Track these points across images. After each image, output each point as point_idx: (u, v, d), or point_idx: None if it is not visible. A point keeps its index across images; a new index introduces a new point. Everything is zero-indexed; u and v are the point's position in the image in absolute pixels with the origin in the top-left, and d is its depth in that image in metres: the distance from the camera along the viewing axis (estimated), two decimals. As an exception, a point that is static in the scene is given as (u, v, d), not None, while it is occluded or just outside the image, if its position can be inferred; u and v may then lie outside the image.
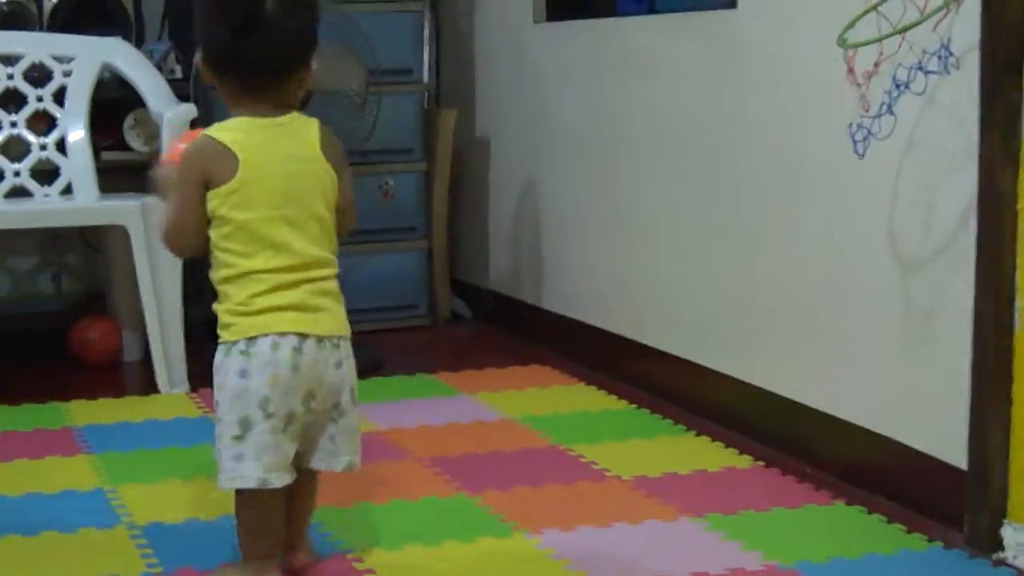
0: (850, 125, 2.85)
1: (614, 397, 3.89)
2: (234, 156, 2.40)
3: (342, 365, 2.47)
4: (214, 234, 2.44)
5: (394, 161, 4.84)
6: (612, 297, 4.18)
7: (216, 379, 2.48)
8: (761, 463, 3.26)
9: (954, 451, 2.79)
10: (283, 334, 2.40)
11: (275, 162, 2.42)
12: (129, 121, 4.52)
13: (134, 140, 4.53)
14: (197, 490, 3.12)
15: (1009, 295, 2.66)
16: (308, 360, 2.41)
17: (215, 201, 2.41)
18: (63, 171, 4.22)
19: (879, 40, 2.68)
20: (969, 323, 2.74)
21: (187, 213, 2.43)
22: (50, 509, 3.01)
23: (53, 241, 4.73)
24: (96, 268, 4.72)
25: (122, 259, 4.19)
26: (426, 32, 4.95)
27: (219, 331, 2.46)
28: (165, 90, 4.22)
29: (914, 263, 2.91)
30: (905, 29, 2.65)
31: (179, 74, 4.51)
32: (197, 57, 2.47)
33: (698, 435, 3.50)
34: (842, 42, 2.72)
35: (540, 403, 3.85)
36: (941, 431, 2.84)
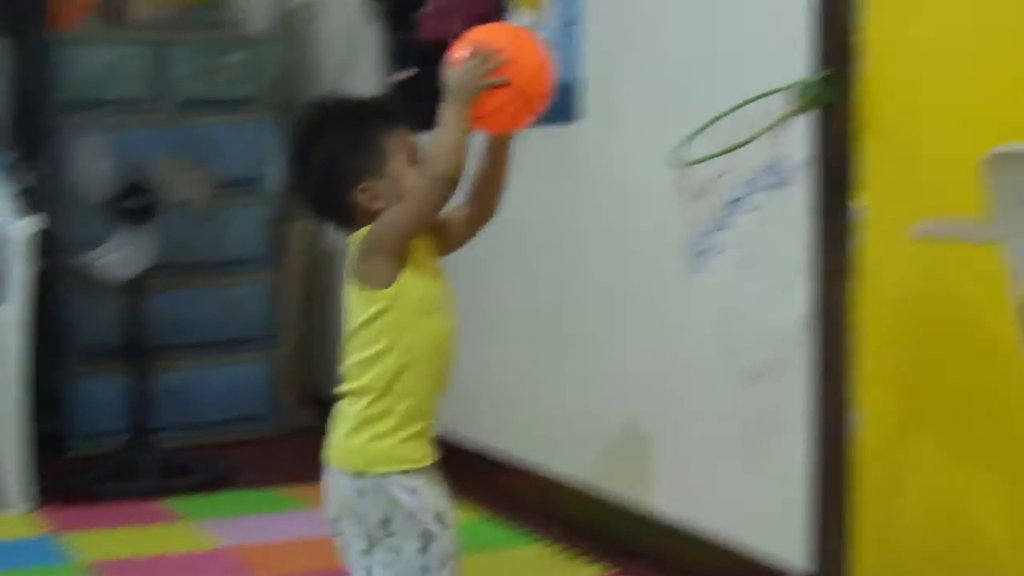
0: (685, 241, 2.89)
1: (469, 507, 3.87)
2: None
3: (337, 494, 2.28)
4: None
5: (243, 272, 4.82)
6: (462, 406, 4.18)
7: None
8: (614, 572, 3.27)
9: (794, 558, 2.82)
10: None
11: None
12: (-28, 234, 4.45)
13: (-24, 253, 4.45)
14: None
15: (845, 405, 2.72)
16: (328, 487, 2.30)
17: None
18: (-98, 286, 4.14)
19: (712, 158, 2.73)
20: (806, 433, 2.79)
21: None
22: None
23: None
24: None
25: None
26: (275, 142, 4.96)
27: None
28: (10, 202, 4.16)
29: (752, 375, 2.96)
30: (737, 147, 2.71)
31: (25, 185, 4.44)
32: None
33: (550, 545, 3.50)
34: (678, 160, 2.77)
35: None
36: (782, 538, 2.88)
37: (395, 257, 2.25)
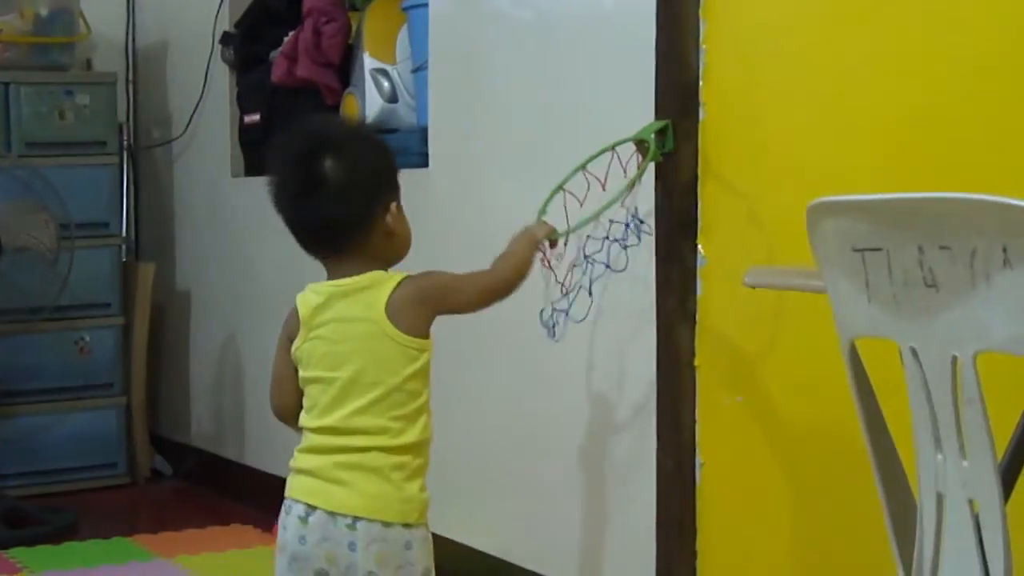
0: (543, 311, 2.80)
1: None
2: (298, 318, 2.36)
3: (356, 548, 2.24)
4: None
5: (91, 316, 4.74)
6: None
7: None
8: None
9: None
10: (295, 500, 2.30)
11: (335, 324, 2.33)
12: None
13: None
14: None
15: (690, 450, 2.74)
16: (315, 535, 2.26)
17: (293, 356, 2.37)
18: None
19: (573, 232, 2.66)
20: (654, 480, 2.80)
21: (276, 369, 2.41)
22: None
23: None
24: None
25: None
26: (124, 185, 4.90)
27: None
28: None
29: (609, 425, 2.97)
30: (601, 211, 2.64)
31: None
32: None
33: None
34: (541, 226, 2.67)
35: (237, 567, 3.77)
36: (631, 583, 2.89)
37: (434, 315, 2.38)
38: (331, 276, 2.37)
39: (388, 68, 3.79)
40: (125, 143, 4.97)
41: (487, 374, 3.33)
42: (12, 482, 4.42)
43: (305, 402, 2.34)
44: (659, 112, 2.76)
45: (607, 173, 2.69)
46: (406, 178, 3.58)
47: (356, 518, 2.24)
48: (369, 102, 3.81)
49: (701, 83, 2.70)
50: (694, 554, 2.75)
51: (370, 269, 2.35)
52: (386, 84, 3.78)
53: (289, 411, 2.39)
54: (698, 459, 2.73)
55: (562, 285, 2.71)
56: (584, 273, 2.75)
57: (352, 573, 2.24)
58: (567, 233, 2.63)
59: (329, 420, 2.29)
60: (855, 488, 2.39)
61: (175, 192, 5.00)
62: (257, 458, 4.47)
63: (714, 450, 2.72)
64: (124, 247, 4.91)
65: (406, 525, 2.28)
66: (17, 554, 3.89)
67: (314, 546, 2.25)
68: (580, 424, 3.03)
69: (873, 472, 1.61)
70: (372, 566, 2.24)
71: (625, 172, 2.68)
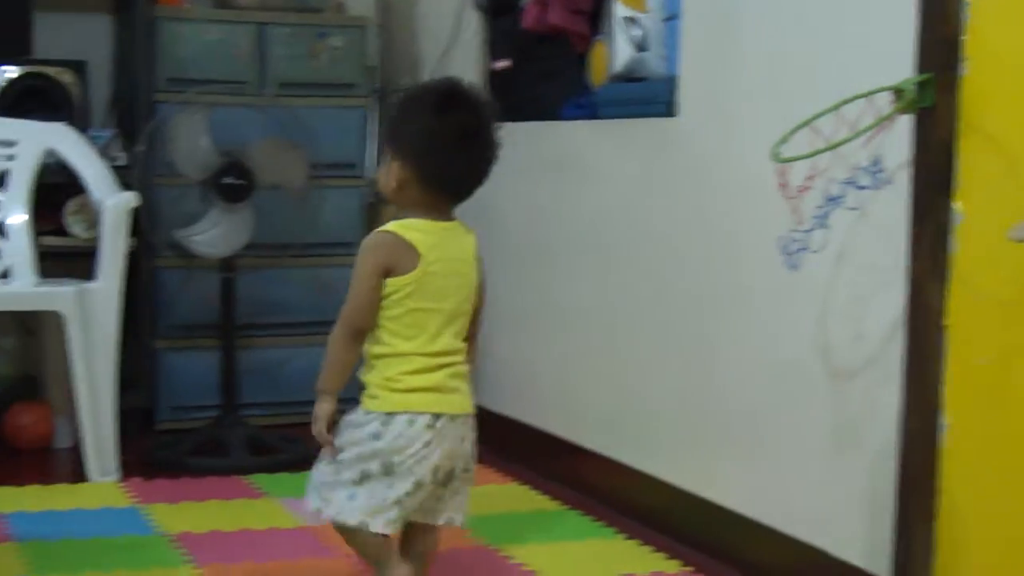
0: (782, 238, 2.89)
1: (547, 497, 3.89)
2: (417, 253, 2.69)
3: (465, 440, 2.76)
4: (382, 315, 2.72)
5: (335, 254, 4.84)
6: (548, 397, 4.20)
7: (346, 431, 2.74)
8: (689, 569, 3.27)
9: (877, 562, 2.81)
10: (420, 412, 2.68)
11: (442, 261, 2.72)
12: (71, 207, 4.52)
13: (75, 226, 4.52)
14: (121, 582, 3.10)
15: (935, 409, 2.70)
16: (439, 436, 2.69)
17: (392, 287, 2.69)
18: (2, 255, 4.21)
19: (811, 156, 2.72)
20: (896, 435, 2.77)
21: (363, 290, 2.71)
22: (-29, 598, 2.98)
23: (-11, 324, 4.71)
24: (31, 352, 4.69)
25: (57, 345, 4.17)
26: (370, 127, 4.99)
27: (363, 397, 2.74)
28: (108, 177, 4.23)
29: (844, 374, 2.95)
30: (836, 145, 2.70)
31: (123, 161, 4.51)
32: (395, 165, 2.72)
33: (628, 538, 3.51)
34: (775, 156, 2.76)
35: (471, 502, 3.83)
36: (865, 541, 2.87)
37: None
38: (432, 218, 2.74)
39: (639, 16, 3.78)
40: (374, 86, 5.05)
41: (728, 320, 3.32)
42: (255, 411, 4.56)
43: (403, 329, 2.71)
44: (919, 65, 2.71)
45: (857, 118, 2.67)
46: (654, 127, 3.63)
47: (467, 416, 2.77)
48: (618, 50, 3.81)
49: (964, 38, 2.64)
50: (933, 515, 2.71)
51: (451, 219, 2.78)
52: (636, 33, 3.77)
53: (366, 332, 2.74)
54: (944, 420, 2.68)
55: (798, 214, 2.79)
56: (825, 213, 2.81)
57: (462, 463, 2.76)
58: (803, 157, 2.70)
59: (437, 345, 2.71)
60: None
61: (420, 136, 5.06)
62: (491, 399, 4.51)
63: (961, 412, 2.66)
64: (370, 188, 5.00)
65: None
66: (258, 480, 4.02)
67: (437, 446, 2.69)
68: (816, 376, 3.01)
69: None
70: (472, 452, 2.79)
71: (875, 121, 2.66)
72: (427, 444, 2.68)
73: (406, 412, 2.68)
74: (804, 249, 2.86)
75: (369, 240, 2.75)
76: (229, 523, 3.55)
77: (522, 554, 3.35)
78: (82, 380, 3.99)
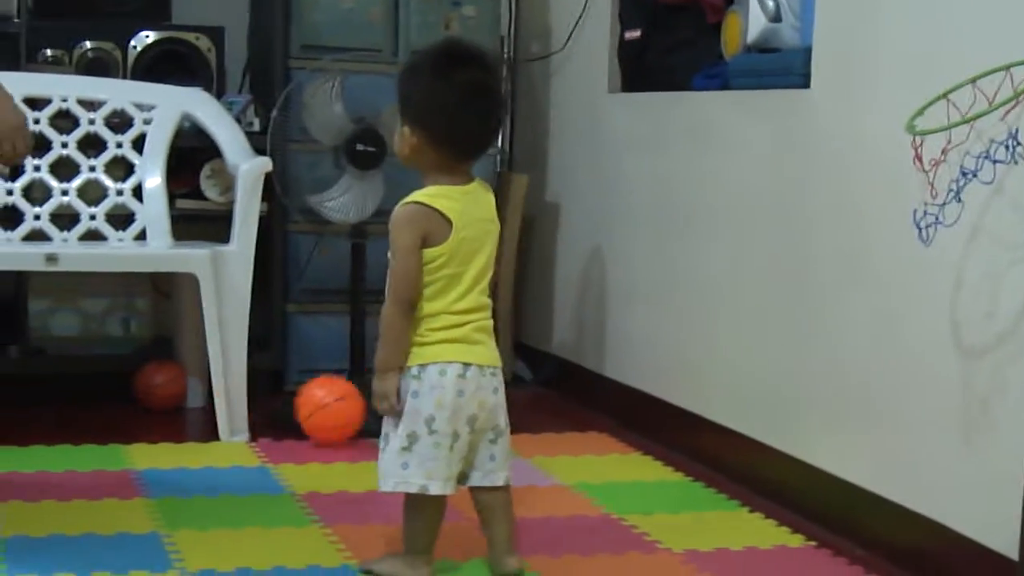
0: (916, 211, 2.86)
1: (670, 469, 3.89)
2: (448, 222, 2.78)
3: (498, 391, 2.87)
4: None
5: (463, 222, 4.86)
6: (673, 368, 4.19)
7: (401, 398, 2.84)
8: (813, 543, 3.25)
9: (1006, 541, 2.77)
10: (449, 362, 2.79)
11: (471, 225, 2.81)
12: (206, 171, 4.59)
13: (210, 190, 4.59)
14: (250, 539, 3.15)
15: (1068, 388, 2.65)
16: (471, 385, 2.81)
17: (429, 257, 2.78)
18: (138, 217, 4.29)
19: (947, 129, 2.69)
20: (1026, 414, 2.73)
21: (411, 265, 2.79)
22: (104, 551, 3.05)
23: (124, 285, 4.79)
24: (165, 314, 4.78)
25: (191, 306, 4.25)
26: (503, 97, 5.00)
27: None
28: (243, 142, 4.29)
29: (975, 351, 2.91)
30: (974, 119, 2.65)
31: (257, 127, 4.57)
32: (406, 131, 2.81)
33: (752, 511, 3.50)
34: (911, 128, 2.73)
35: (595, 471, 3.86)
36: (994, 520, 2.83)
37: None
38: (453, 182, 2.81)
39: (772, -13, 3.75)
40: (506, 55, 5.06)
41: (859, 293, 3.29)
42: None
43: (434, 293, 2.79)
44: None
45: (997, 91, 2.63)
46: (787, 98, 3.60)
47: (495, 368, 2.86)
48: (752, 21, 3.78)
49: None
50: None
51: (470, 180, 2.85)
52: (771, 3, 3.74)
53: (416, 305, 2.80)
54: (1077, 398, 2.64)
55: (932, 187, 2.77)
56: (956, 181, 2.78)
57: (494, 412, 2.86)
58: (939, 130, 2.67)
59: (464, 303, 2.80)
60: None
61: (550, 105, 5.08)
62: (617, 370, 4.54)
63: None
64: (499, 158, 5.02)
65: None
66: (385, 444, 4.06)
67: (470, 396, 2.81)
68: (947, 353, 2.97)
69: None
70: (502, 403, 2.89)
71: (1015, 93, 2.61)
72: (460, 393, 2.79)
73: (436, 363, 2.79)
74: (937, 223, 2.82)
75: (401, 214, 2.80)
76: (356, 484, 3.60)
77: (646, 524, 3.36)
78: (214, 342, 4.06)
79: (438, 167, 2.82)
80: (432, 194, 2.79)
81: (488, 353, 2.85)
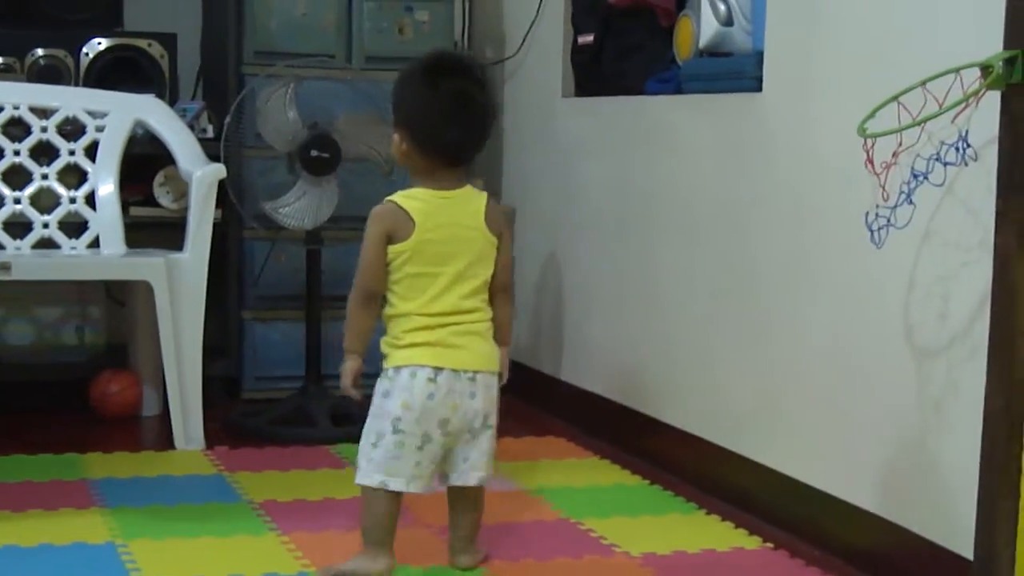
0: (868, 214, 2.88)
1: (628, 472, 3.90)
2: (412, 222, 2.88)
3: (476, 396, 2.91)
4: (388, 279, 2.92)
5: (419, 228, 4.86)
6: (630, 372, 4.20)
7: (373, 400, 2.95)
8: (770, 545, 3.27)
9: (961, 541, 2.79)
10: (421, 366, 2.87)
11: (440, 228, 2.89)
12: (159, 178, 4.57)
13: (163, 197, 4.58)
14: (207, 548, 3.14)
15: (1020, 388, 2.67)
16: (442, 389, 2.87)
17: (392, 254, 2.89)
18: (91, 224, 4.27)
19: (898, 131, 2.70)
20: (980, 414, 2.75)
21: (372, 256, 2.92)
22: (61, 561, 3.03)
23: (78, 293, 4.77)
24: (120, 322, 4.76)
25: (146, 314, 4.23)
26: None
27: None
28: (196, 149, 4.28)
29: (928, 352, 2.93)
30: (923, 121, 2.67)
31: (211, 133, 4.56)
32: (396, 136, 2.93)
33: (709, 514, 3.51)
34: (862, 131, 2.75)
35: (553, 475, 3.86)
36: (949, 520, 2.85)
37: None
38: (433, 187, 2.92)
39: (724, -11, 3.77)
40: (460, 60, 5.06)
41: (813, 297, 3.31)
42: (339, 382, 4.58)
43: (405, 292, 2.90)
44: (1007, 41, 2.67)
45: (947, 94, 2.65)
46: (739, 102, 3.62)
47: (475, 372, 2.90)
48: (704, 25, 3.80)
49: (1055, 12, 2.61)
50: (1018, 494, 2.67)
51: (464, 184, 2.95)
52: (722, 7, 3.76)
53: (378, 295, 2.93)
54: (1029, 398, 2.66)
55: (883, 189, 2.77)
56: (910, 189, 2.79)
57: (469, 417, 2.91)
58: (889, 133, 2.68)
59: (439, 306, 2.89)
60: None
61: (505, 110, 5.09)
62: (574, 374, 4.55)
63: (1046, 390, 2.64)
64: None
65: (493, 372, 2.95)
66: (341, 450, 4.06)
67: (441, 399, 2.87)
68: (901, 354, 2.99)
69: None
70: (483, 406, 2.93)
71: (965, 95, 2.63)
72: (430, 397, 2.86)
73: (408, 366, 2.88)
74: (889, 225, 2.84)
75: (374, 210, 2.96)
76: (313, 492, 3.59)
77: (603, 527, 3.36)
78: (169, 349, 4.04)
79: (424, 171, 2.94)
80: (406, 195, 2.93)
81: (469, 357, 2.90)
